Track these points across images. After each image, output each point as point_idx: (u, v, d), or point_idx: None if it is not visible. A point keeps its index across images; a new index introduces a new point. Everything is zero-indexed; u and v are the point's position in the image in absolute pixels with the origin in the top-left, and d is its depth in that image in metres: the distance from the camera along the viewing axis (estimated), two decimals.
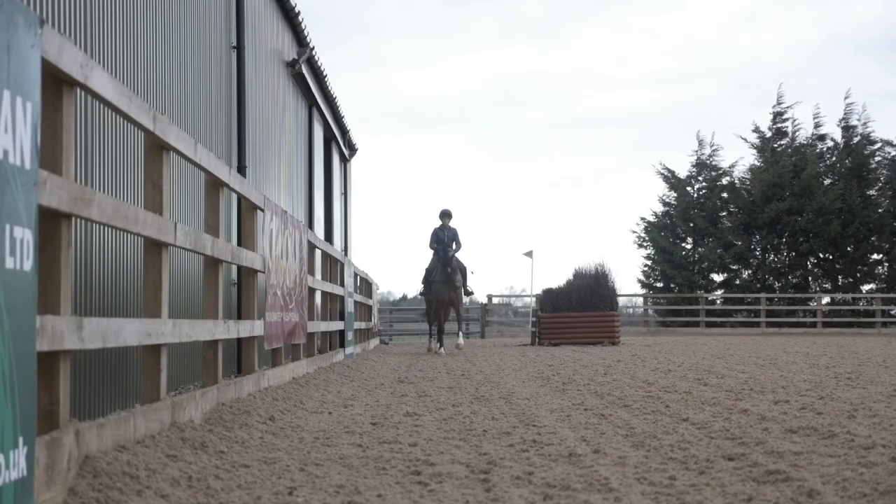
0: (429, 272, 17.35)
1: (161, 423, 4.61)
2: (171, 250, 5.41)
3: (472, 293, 17.83)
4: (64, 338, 3.39)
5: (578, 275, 21.58)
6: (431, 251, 17.16)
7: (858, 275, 36.10)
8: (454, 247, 17.06)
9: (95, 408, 6.11)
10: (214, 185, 6.30)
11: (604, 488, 3.62)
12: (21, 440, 2.79)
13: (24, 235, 2.84)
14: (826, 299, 34.43)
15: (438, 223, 17.14)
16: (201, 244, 5.66)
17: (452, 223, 17.24)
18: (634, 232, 38.54)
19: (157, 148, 4.94)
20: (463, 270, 17.31)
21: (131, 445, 4.02)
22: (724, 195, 37.57)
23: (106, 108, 5.41)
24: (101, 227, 5.99)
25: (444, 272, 16.85)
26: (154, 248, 4.94)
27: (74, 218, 3.64)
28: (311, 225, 16.47)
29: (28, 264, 2.87)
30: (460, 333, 17.86)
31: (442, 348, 17.10)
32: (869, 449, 4.39)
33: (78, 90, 3.78)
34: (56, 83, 3.49)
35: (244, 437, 4.98)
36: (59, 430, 3.36)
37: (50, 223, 3.44)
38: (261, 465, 4.24)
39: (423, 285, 17.53)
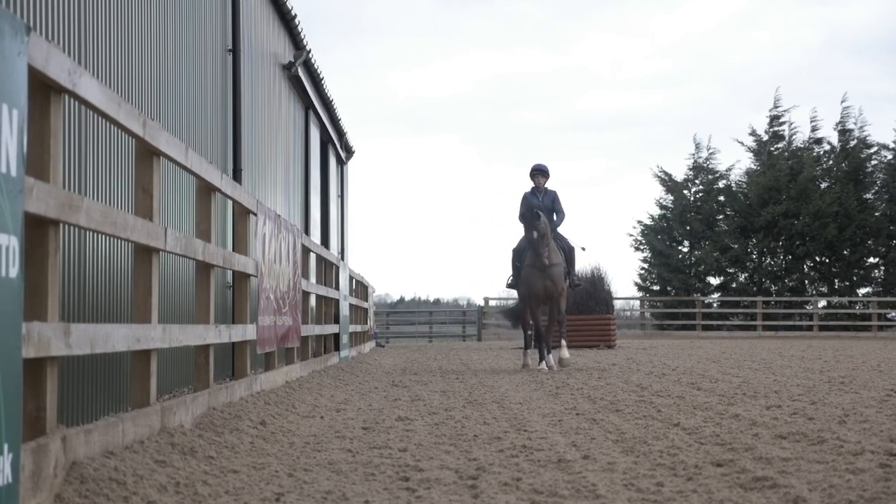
0: (517, 254, 12.33)
1: (150, 429, 4.61)
2: (163, 255, 5.41)
3: (579, 284, 13.41)
4: (51, 344, 3.39)
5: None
6: (521, 225, 11.92)
7: (855, 278, 36.15)
8: (555, 218, 12.25)
9: (87, 412, 6.11)
10: (206, 189, 6.30)
11: (591, 494, 3.63)
12: (6, 447, 2.79)
13: (10, 242, 2.85)
14: (822, 303, 34.47)
15: (529, 186, 12.43)
16: (192, 249, 5.66)
17: (550, 184, 12.43)
18: (631, 235, 38.67)
19: (147, 153, 4.95)
20: (568, 252, 12.34)
21: (119, 451, 4.01)
22: (721, 198, 37.63)
23: (96, 115, 5.40)
24: (93, 232, 6.00)
25: (535, 247, 11.58)
26: (144, 253, 4.94)
27: (62, 224, 3.64)
28: (307, 228, 16.47)
29: (14, 271, 2.88)
30: (562, 342, 12.60)
31: (543, 362, 11.80)
32: (857, 455, 4.39)
33: (66, 97, 3.78)
34: (43, 90, 3.50)
35: (234, 442, 4.98)
36: (45, 437, 3.36)
37: (37, 230, 3.45)
38: (250, 470, 4.24)
39: (511, 272, 12.58)
